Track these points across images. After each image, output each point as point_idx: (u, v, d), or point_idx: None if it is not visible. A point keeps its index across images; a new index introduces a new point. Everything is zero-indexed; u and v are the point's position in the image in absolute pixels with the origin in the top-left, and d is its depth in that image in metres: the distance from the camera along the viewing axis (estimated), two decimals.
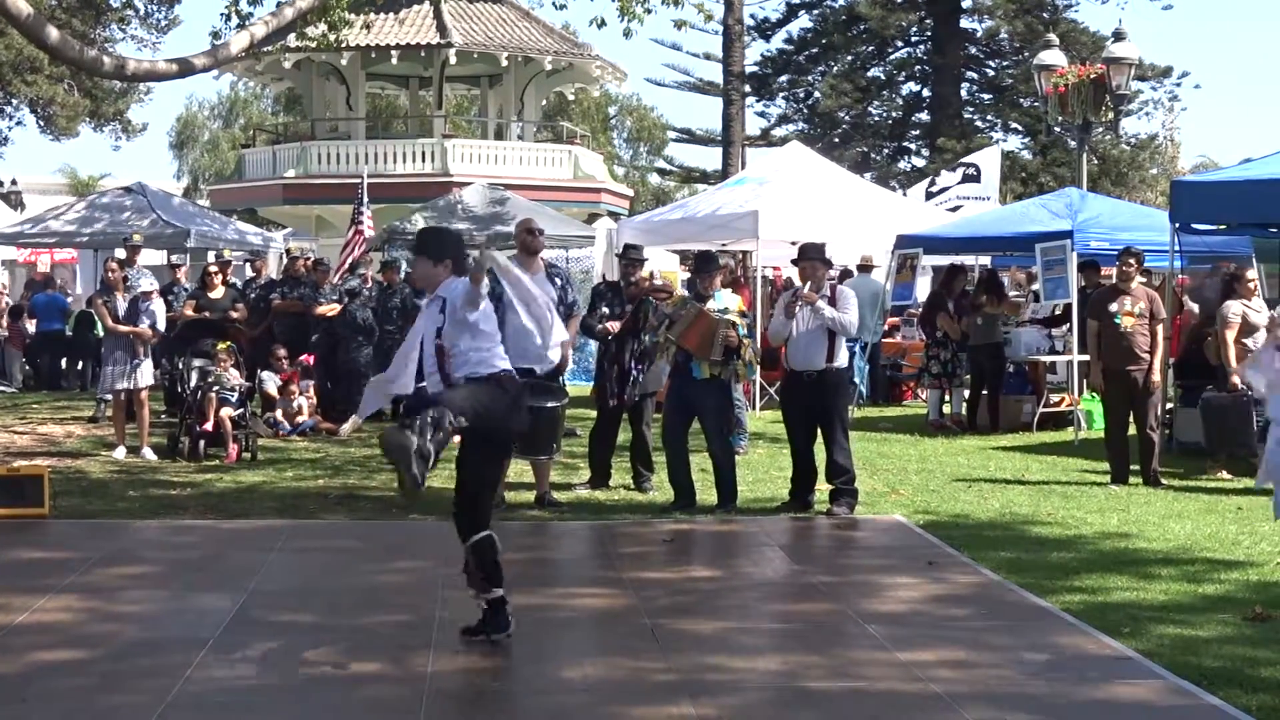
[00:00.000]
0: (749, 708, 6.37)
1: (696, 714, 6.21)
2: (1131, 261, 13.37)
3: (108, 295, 14.60)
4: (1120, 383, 13.16)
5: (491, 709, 6.41)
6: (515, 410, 7.46)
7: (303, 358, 17.43)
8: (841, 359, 11.37)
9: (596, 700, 6.43)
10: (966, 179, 27.18)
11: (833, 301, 11.24)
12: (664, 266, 23.37)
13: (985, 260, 21.00)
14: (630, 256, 13.11)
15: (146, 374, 14.40)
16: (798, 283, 11.89)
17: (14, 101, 39.17)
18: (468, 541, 7.31)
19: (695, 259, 12.52)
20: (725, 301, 11.47)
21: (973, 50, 45.02)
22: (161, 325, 14.78)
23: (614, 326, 12.36)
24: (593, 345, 20.83)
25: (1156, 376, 13.17)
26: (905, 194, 29.52)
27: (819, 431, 11.42)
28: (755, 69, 44.66)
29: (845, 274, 19.52)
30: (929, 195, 27.41)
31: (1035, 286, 23.62)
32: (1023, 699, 6.47)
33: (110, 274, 14.88)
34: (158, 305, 14.76)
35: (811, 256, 11.51)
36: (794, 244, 21.25)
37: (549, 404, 11.18)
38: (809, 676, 6.85)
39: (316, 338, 17.62)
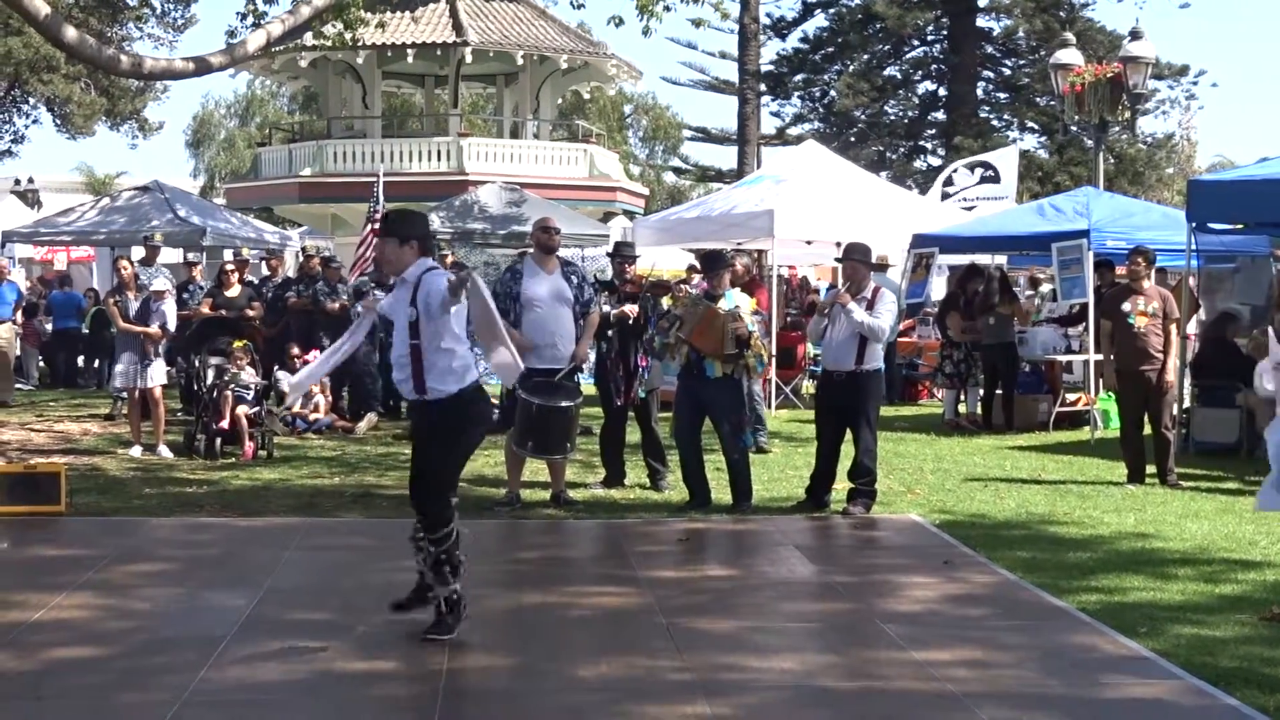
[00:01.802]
0: (765, 707, 6.36)
1: (712, 713, 6.20)
2: (1140, 261, 13.34)
3: (119, 294, 14.63)
4: (1134, 382, 13.12)
5: (506, 707, 6.40)
6: (489, 412, 7.94)
7: (313, 354, 17.44)
8: (873, 361, 11.29)
9: (612, 699, 6.42)
10: (984, 180, 27.12)
11: (873, 303, 11.19)
12: (678, 265, 23.37)
13: (1002, 260, 20.97)
14: (622, 254, 13.09)
15: (157, 373, 14.40)
16: (813, 281, 11.85)
17: (31, 100, 39.32)
18: (441, 533, 7.41)
19: (703, 259, 12.48)
20: (736, 301, 11.44)
21: (989, 49, 44.95)
22: (172, 325, 14.78)
23: (631, 309, 12.31)
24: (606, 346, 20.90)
25: (1170, 376, 13.12)
26: (923, 194, 29.46)
27: (848, 432, 11.39)
28: (771, 68, 44.63)
29: None
30: (944, 196, 27.35)
31: (1043, 288, 23.61)
32: (1038, 699, 6.45)
33: (122, 272, 14.92)
34: (169, 305, 14.77)
35: (854, 257, 11.42)
36: (809, 243, 21.36)
37: (563, 403, 11.18)
38: (825, 676, 6.84)
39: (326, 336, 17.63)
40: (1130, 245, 14.65)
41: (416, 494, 7.54)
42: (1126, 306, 13.13)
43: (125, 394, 14.85)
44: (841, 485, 11.48)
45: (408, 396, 7.69)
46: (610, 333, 12.32)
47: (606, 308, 12.28)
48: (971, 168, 28.24)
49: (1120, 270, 16.20)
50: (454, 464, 7.61)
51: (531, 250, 11.95)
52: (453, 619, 7.40)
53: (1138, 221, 17.27)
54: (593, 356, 12.81)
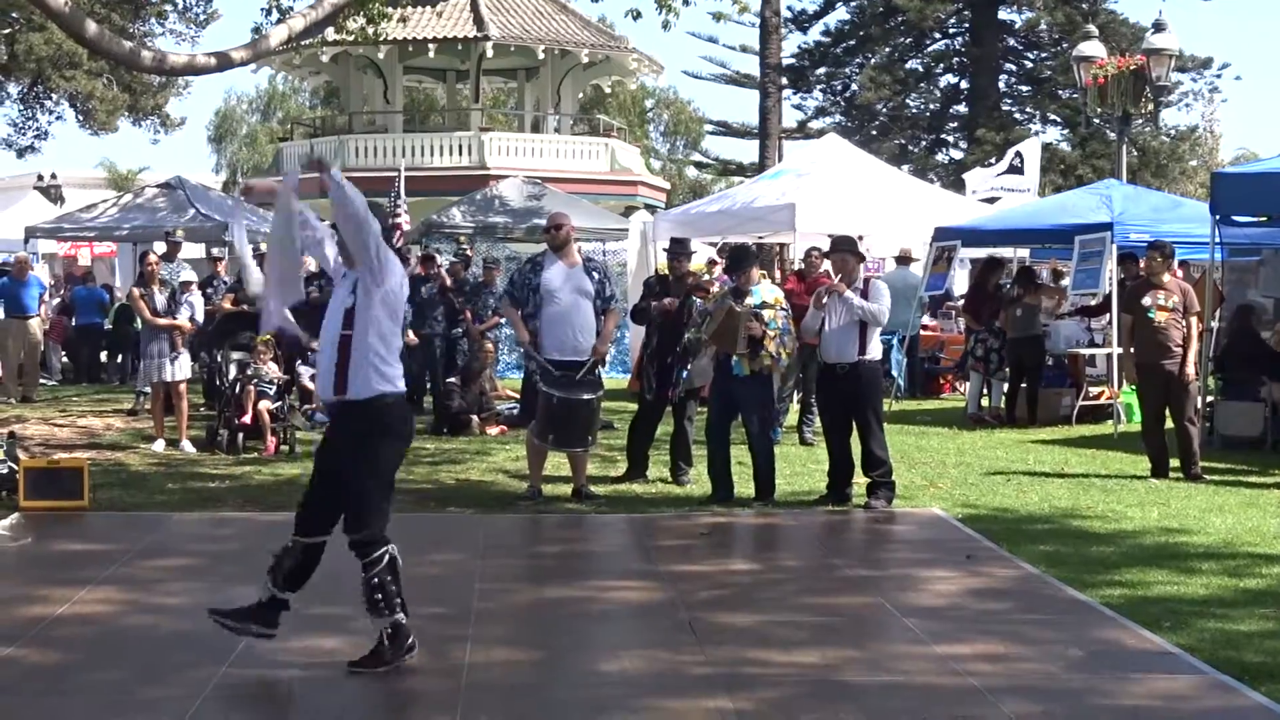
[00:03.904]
0: (786, 701, 6.35)
1: (734, 707, 6.19)
2: (1157, 256, 13.30)
3: (146, 288, 14.68)
4: (1154, 376, 13.08)
5: (529, 701, 6.40)
6: (410, 428, 7.03)
7: None
8: (874, 351, 11.33)
9: (634, 693, 6.41)
10: (1012, 169, 27.03)
11: (867, 293, 11.21)
12: (698, 259, 23.33)
13: (1024, 253, 20.88)
14: (676, 251, 13.11)
15: (184, 367, 14.48)
16: (835, 276, 11.82)
17: (53, 96, 39.33)
18: (372, 557, 6.64)
19: (730, 255, 12.47)
20: (764, 294, 11.43)
21: (1011, 42, 44.85)
22: (200, 318, 14.83)
23: (671, 303, 12.34)
24: (628, 340, 20.91)
25: (1190, 370, 13.06)
26: (946, 187, 29.36)
27: (854, 424, 11.39)
28: (792, 61, 44.58)
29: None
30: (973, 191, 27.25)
31: (1064, 281, 23.50)
32: (1061, 693, 6.43)
33: (149, 267, 14.97)
34: (196, 298, 14.82)
35: (842, 249, 11.54)
36: (830, 237, 21.27)
37: (584, 396, 11.19)
38: (847, 670, 6.82)
39: None
40: (1154, 238, 14.59)
41: (345, 518, 6.74)
42: (1146, 301, 13.08)
43: (149, 389, 14.88)
44: (863, 479, 11.45)
45: (325, 398, 6.87)
46: (669, 315, 12.36)
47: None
48: (994, 161, 28.12)
49: (1143, 264, 16.15)
50: (379, 477, 6.73)
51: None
52: (392, 651, 6.63)
53: (1162, 214, 17.18)
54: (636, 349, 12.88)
